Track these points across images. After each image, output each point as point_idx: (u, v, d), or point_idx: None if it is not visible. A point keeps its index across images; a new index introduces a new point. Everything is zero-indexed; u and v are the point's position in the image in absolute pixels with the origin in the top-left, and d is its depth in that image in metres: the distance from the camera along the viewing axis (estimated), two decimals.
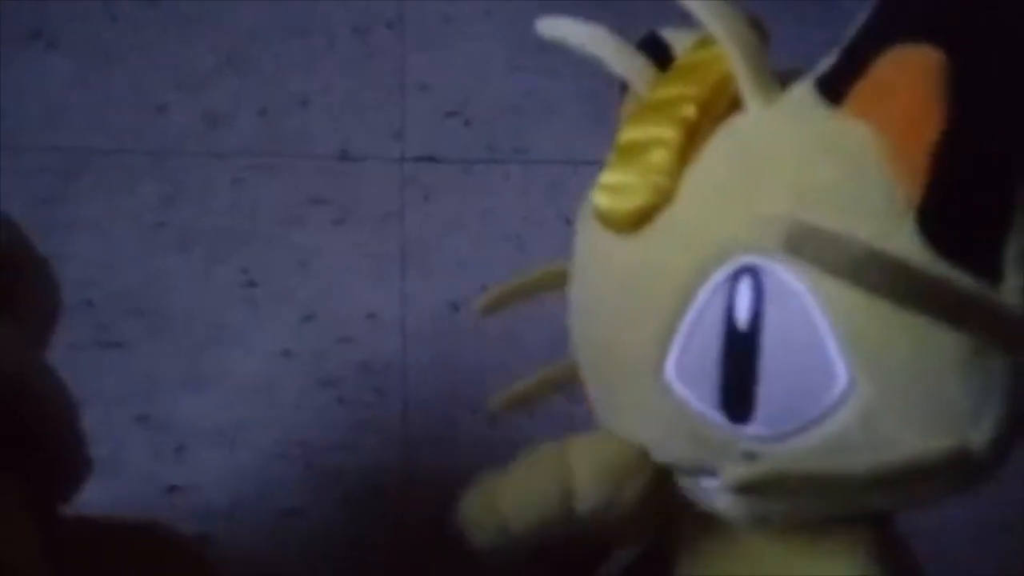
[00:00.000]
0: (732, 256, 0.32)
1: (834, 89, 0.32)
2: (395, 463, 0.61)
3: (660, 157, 0.34)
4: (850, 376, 0.31)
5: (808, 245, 0.30)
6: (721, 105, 0.34)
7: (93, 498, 0.42)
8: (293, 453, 0.59)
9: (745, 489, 0.31)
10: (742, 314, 0.32)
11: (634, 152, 0.34)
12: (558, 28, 0.36)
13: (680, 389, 0.34)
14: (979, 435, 0.30)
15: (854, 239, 0.29)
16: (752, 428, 0.33)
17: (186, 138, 0.74)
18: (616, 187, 0.35)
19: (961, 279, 0.29)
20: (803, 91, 0.34)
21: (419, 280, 0.69)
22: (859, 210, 0.31)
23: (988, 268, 0.29)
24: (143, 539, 0.46)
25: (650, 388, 0.35)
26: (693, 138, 0.34)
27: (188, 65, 0.79)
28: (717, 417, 0.33)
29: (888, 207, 0.30)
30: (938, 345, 0.30)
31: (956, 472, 0.31)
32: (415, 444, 0.59)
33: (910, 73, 0.30)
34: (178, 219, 0.68)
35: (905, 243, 0.30)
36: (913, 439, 0.31)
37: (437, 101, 0.74)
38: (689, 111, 0.34)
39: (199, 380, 0.60)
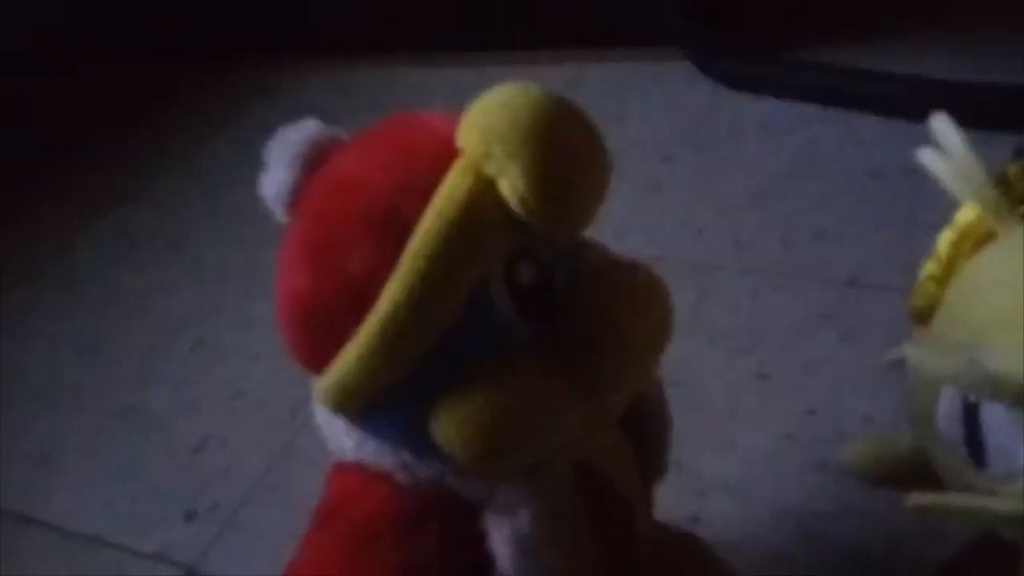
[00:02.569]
0: None
1: None
2: (875, 537, 0.68)
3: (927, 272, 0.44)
4: None
5: None
6: (969, 242, 0.43)
7: None
8: (789, 514, 0.70)
9: None
10: None
11: None
12: None
13: None
14: None
15: None
16: None
17: (718, 254, 0.91)
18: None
19: None
20: None
21: None
22: None
23: None
24: (690, 544, 0.60)
25: None
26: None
27: (725, 198, 0.97)
28: None
29: None
30: None
31: None
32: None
33: None
34: (709, 318, 0.84)
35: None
36: None
37: None
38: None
39: (720, 443, 0.74)
